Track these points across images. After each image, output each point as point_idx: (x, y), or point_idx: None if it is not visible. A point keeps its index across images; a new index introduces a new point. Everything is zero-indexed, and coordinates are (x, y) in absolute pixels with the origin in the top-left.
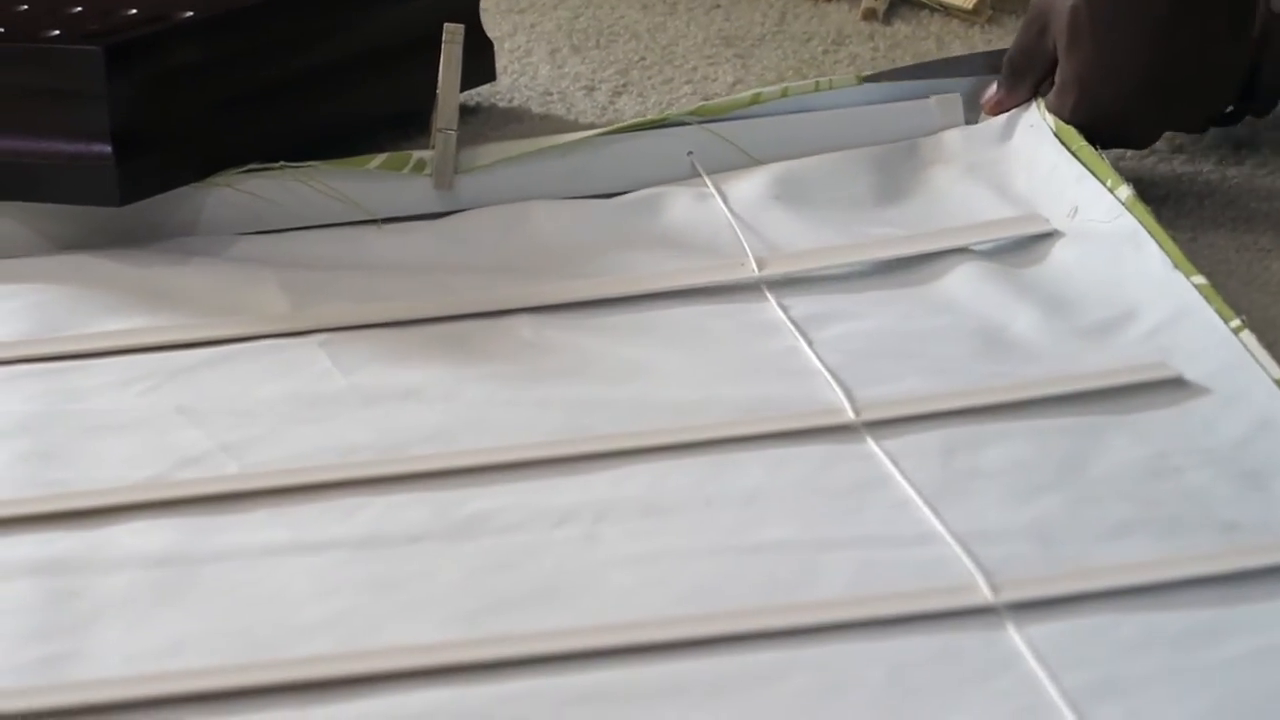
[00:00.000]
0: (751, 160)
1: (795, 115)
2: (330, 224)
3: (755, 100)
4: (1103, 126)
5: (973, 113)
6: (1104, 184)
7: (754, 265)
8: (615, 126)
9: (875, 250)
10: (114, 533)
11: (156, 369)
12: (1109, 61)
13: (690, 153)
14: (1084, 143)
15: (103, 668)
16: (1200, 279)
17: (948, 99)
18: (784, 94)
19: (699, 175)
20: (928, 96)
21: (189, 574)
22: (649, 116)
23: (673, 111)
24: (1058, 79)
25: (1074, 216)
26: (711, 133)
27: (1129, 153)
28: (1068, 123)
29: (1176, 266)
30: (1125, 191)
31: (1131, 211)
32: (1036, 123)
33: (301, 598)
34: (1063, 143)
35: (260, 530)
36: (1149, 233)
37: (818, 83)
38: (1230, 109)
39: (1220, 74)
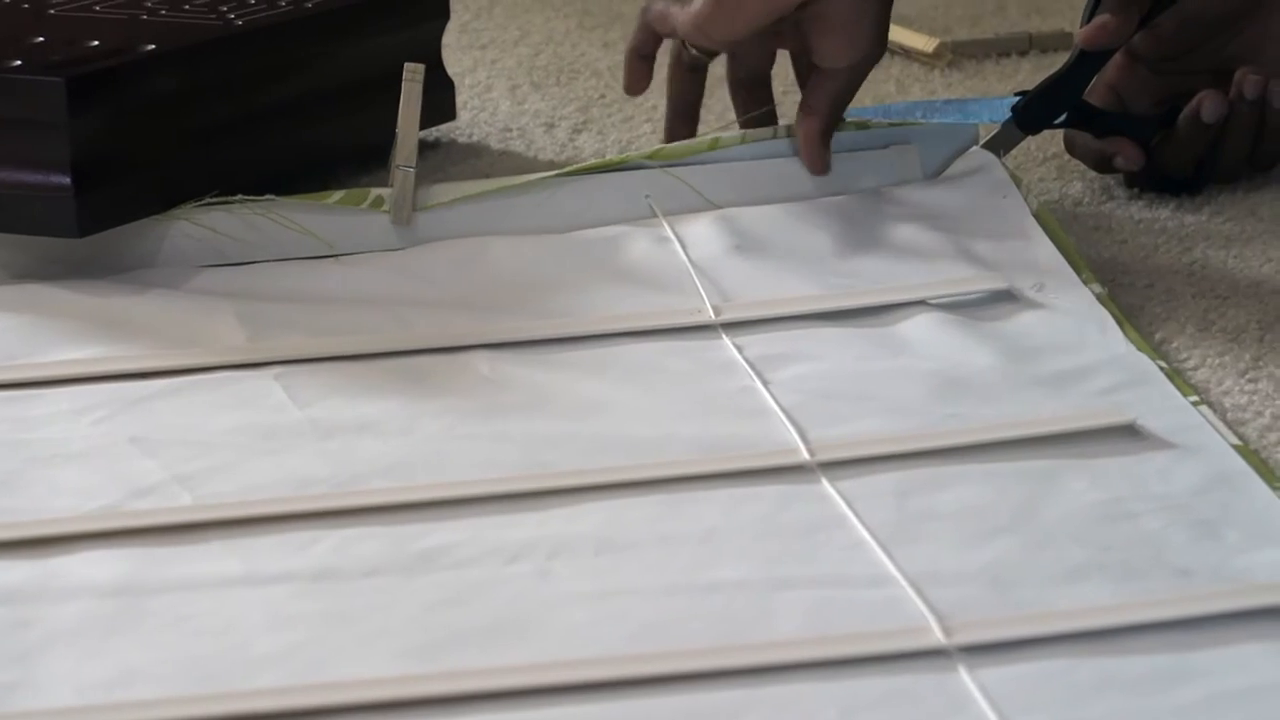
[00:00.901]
0: (709, 205)
1: (752, 163)
2: (289, 258)
3: (714, 145)
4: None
5: (934, 163)
6: (1078, 274)
7: (710, 312)
8: (573, 168)
9: (830, 301)
10: (65, 563)
11: (111, 399)
12: None
13: (648, 196)
14: (1061, 232)
15: (52, 698)
16: (1162, 363)
17: (904, 150)
18: (742, 140)
19: (657, 218)
20: (886, 146)
21: (141, 605)
22: (608, 156)
23: (632, 154)
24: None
25: (1039, 290)
26: (671, 175)
27: (1086, 198)
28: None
29: (1140, 350)
30: (1098, 288)
31: (1104, 305)
32: (1012, 195)
33: (254, 630)
34: (1042, 225)
35: (213, 562)
36: (1116, 322)
37: (775, 130)
38: (1190, 177)
39: None
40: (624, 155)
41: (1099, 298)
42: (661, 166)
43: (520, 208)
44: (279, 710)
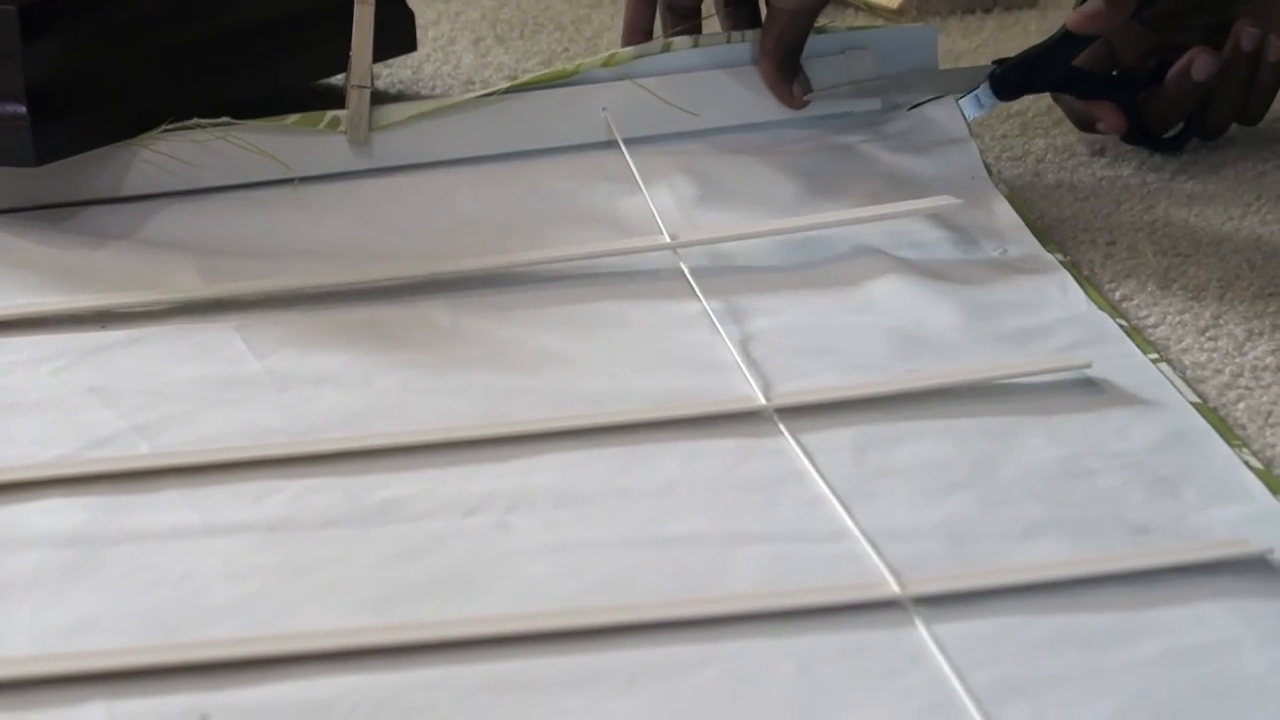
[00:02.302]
0: (666, 105)
1: (706, 72)
2: (248, 183)
3: (667, 48)
4: None
5: (888, 64)
6: (1043, 246)
7: (667, 237)
8: (528, 79)
9: (790, 222)
10: (22, 511)
11: (69, 348)
12: None
13: (604, 109)
14: (1030, 214)
15: (8, 646)
16: (1122, 321)
17: (858, 55)
18: (695, 44)
19: (613, 133)
20: (842, 52)
21: (98, 554)
22: (562, 67)
23: (585, 61)
24: None
25: (1001, 254)
26: (627, 86)
27: (1049, 154)
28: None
29: (1100, 308)
30: (1061, 257)
31: (1067, 270)
32: (981, 177)
33: (211, 580)
34: (1013, 205)
35: (170, 512)
36: (1078, 283)
37: (730, 35)
38: (1178, 131)
39: None
40: (578, 64)
41: (1061, 264)
42: (617, 78)
43: (476, 123)
44: (235, 659)
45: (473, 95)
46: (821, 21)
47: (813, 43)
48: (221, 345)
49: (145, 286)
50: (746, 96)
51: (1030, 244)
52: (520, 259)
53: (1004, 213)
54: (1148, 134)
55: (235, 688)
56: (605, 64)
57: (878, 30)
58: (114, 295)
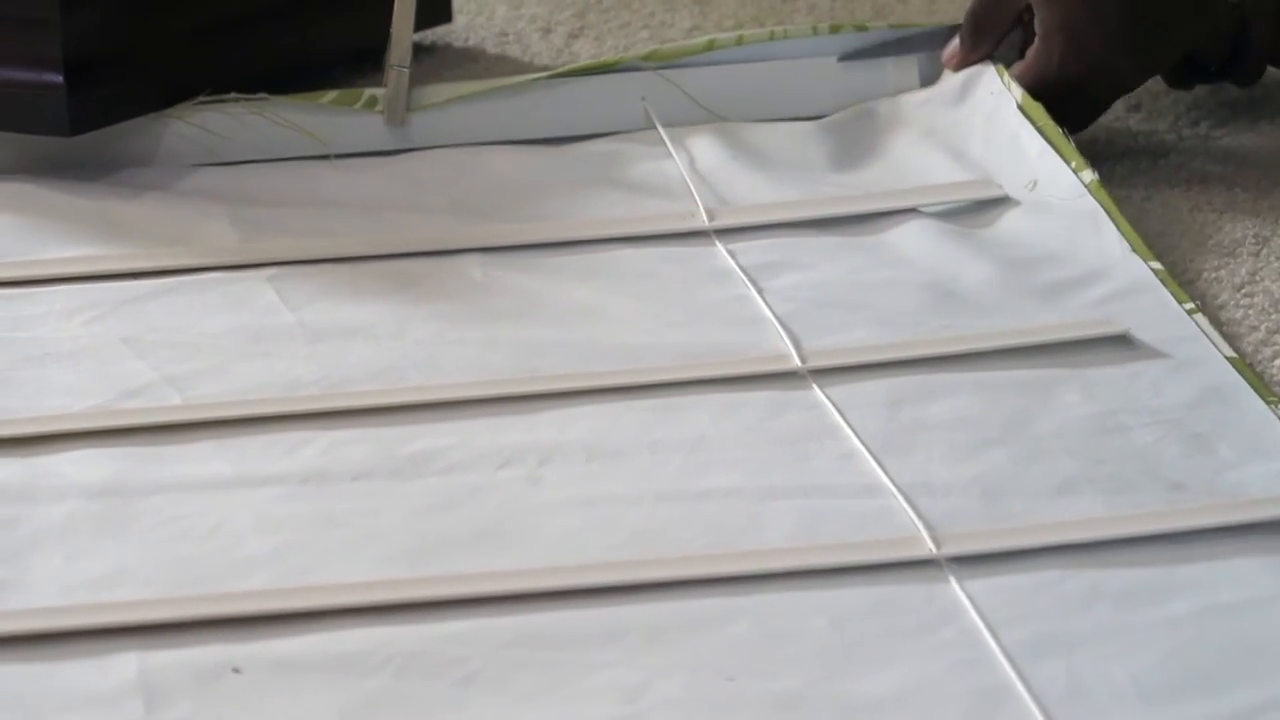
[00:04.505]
0: (702, 109)
1: (748, 65)
2: (283, 158)
3: (710, 47)
4: (1091, 73)
5: (932, 70)
6: (1068, 164)
7: (704, 216)
8: (569, 68)
9: (825, 207)
10: (55, 462)
11: (102, 299)
12: (1093, 3)
13: (643, 99)
14: (1049, 120)
15: (40, 597)
16: (1156, 264)
17: (903, 62)
18: (739, 42)
19: (652, 121)
20: (883, 55)
21: (129, 505)
22: (604, 59)
23: (627, 55)
24: (1038, 29)
25: (1032, 189)
26: (665, 79)
27: None
28: (1056, 73)
29: (1134, 250)
30: (1089, 175)
31: (1094, 195)
32: (998, 90)
33: (242, 532)
34: (1028, 117)
35: (203, 463)
36: (1109, 216)
37: (772, 32)
38: (1214, 69)
39: (1203, 10)
40: (619, 56)
41: (1090, 186)
42: (657, 69)
43: (515, 109)
44: (265, 613)
45: (512, 81)
46: (865, 15)
47: (855, 42)
48: (254, 296)
49: (180, 236)
50: (787, 94)
51: (1059, 170)
52: (553, 234)
53: (1029, 136)
54: None
55: (266, 639)
56: (646, 58)
57: (919, 30)
58: (148, 257)
